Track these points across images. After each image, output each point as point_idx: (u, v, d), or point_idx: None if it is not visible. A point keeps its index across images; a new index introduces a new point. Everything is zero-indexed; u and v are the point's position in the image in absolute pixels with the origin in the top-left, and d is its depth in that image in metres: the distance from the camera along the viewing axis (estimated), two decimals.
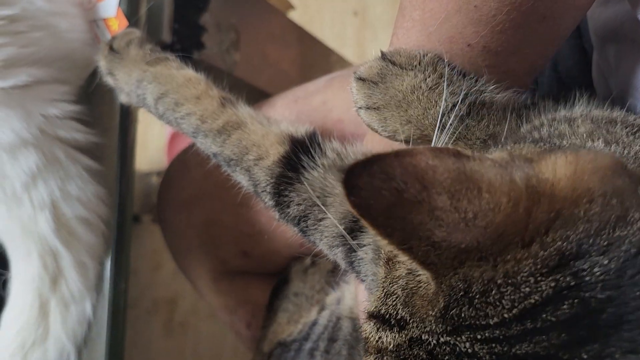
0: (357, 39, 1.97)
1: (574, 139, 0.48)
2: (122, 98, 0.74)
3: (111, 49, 0.74)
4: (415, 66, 0.52)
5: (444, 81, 0.51)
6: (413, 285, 0.39)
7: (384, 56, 0.54)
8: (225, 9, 1.08)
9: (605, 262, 0.34)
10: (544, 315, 0.34)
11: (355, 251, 0.54)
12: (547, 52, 0.55)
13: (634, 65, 0.56)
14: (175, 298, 1.74)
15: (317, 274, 0.82)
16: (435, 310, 0.37)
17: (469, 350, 0.35)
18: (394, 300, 0.40)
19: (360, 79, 0.54)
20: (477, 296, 0.35)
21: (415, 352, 0.37)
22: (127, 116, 0.81)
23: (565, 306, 0.34)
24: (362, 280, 0.56)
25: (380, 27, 1.90)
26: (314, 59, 1.35)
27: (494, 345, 0.35)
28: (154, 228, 1.19)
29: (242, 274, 0.91)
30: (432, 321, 0.37)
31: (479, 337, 0.35)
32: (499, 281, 0.35)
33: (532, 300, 0.34)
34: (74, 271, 0.71)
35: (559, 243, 0.35)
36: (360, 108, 0.54)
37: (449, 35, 0.52)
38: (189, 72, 0.70)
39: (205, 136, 0.65)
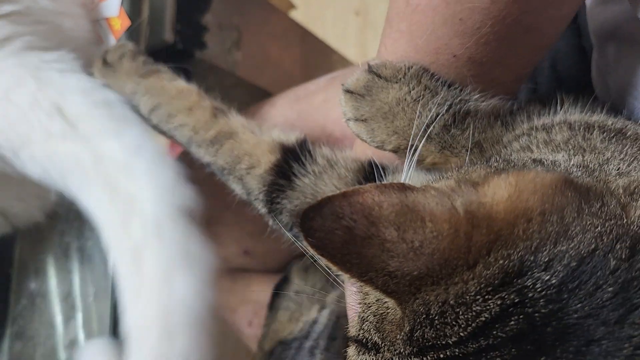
0: (359, 39, 1.98)
1: (543, 150, 0.50)
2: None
3: (105, 62, 0.74)
4: (400, 79, 0.53)
5: (427, 93, 0.53)
6: (382, 312, 0.41)
7: (370, 69, 0.55)
8: (227, 8, 1.09)
9: (547, 277, 0.35)
10: (495, 332, 0.35)
11: None
12: (532, 61, 0.56)
13: (633, 64, 0.56)
14: None
15: (317, 273, 0.82)
16: (402, 333, 0.38)
17: None
18: (368, 325, 0.42)
19: (348, 92, 0.55)
20: (437, 318, 0.37)
21: None
22: None
23: (512, 322, 0.35)
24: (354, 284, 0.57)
25: (382, 27, 1.91)
26: (315, 58, 1.36)
27: None
28: None
29: (244, 272, 0.91)
30: (401, 344, 0.38)
31: (442, 356, 0.37)
32: (451, 302, 0.37)
33: (483, 319, 0.36)
34: None
35: (501, 262, 0.36)
36: (349, 119, 0.56)
37: (436, 47, 0.53)
38: (181, 83, 0.71)
39: (199, 146, 0.66)
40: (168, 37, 0.96)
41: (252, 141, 0.64)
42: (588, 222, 0.37)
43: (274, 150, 0.62)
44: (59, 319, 0.76)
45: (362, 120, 0.55)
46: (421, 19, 0.52)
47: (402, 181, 0.51)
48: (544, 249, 0.36)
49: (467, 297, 0.36)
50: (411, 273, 0.37)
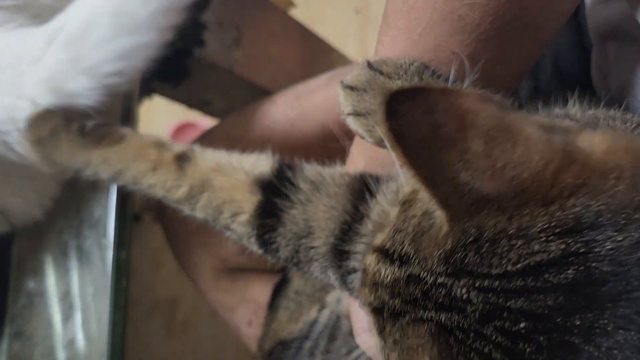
0: (359, 36, 1.98)
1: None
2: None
3: (37, 140, 0.68)
4: (402, 75, 0.53)
5: None
6: (425, 225, 0.39)
7: (370, 66, 0.55)
8: (227, 6, 1.09)
9: (619, 238, 0.34)
10: (547, 276, 0.35)
11: (347, 261, 0.55)
12: (532, 56, 0.56)
13: (633, 63, 0.56)
14: (176, 297, 1.75)
15: None
16: (441, 251, 0.37)
17: (464, 296, 0.36)
18: (403, 236, 0.40)
19: (349, 87, 0.55)
20: (486, 245, 0.36)
21: (411, 290, 0.38)
22: (128, 117, 0.81)
23: (569, 271, 0.34)
24: (356, 297, 0.56)
25: None
26: (316, 56, 1.36)
27: (490, 295, 0.35)
28: (155, 227, 1.19)
29: (243, 272, 0.91)
30: (435, 261, 0.37)
31: (477, 284, 0.36)
32: (510, 232, 0.35)
33: (538, 259, 0.35)
34: None
35: (578, 209, 0.35)
36: (348, 115, 0.55)
37: (435, 44, 0.53)
38: (134, 140, 0.67)
39: (176, 203, 0.64)
40: None
41: (228, 185, 0.61)
42: None
43: (253, 191, 0.60)
44: (57, 318, 0.75)
45: (362, 115, 0.54)
46: (419, 15, 0.52)
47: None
48: (624, 210, 0.35)
49: (530, 232, 0.35)
50: (480, 191, 0.36)
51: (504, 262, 0.35)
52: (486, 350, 0.35)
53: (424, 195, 0.39)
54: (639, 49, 0.52)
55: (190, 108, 1.30)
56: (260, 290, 0.89)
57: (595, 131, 0.39)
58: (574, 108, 0.53)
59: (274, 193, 0.59)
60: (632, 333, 0.33)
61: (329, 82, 0.85)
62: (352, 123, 0.55)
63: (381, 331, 0.40)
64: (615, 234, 0.34)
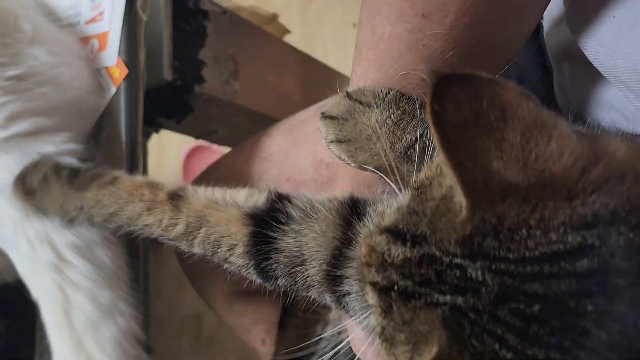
0: None
1: None
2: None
3: (26, 190, 0.69)
4: (380, 104, 0.56)
5: (406, 117, 0.55)
6: (444, 208, 0.41)
7: (349, 96, 0.58)
8: (222, 41, 1.13)
9: (631, 235, 0.37)
10: (562, 263, 0.36)
11: (340, 285, 0.57)
12: (496, 75, 0.59)
13: (586, 82, 0.59)
14: (200, 314, 1.78)
15: None
16: (460, 234, 0.38)
17: (479, 278, 0.37)
18: (419, 218, 0.41)
19: (330, 117, 0.58)
20: (505, 231, 0.37)
21: (424, 270, 0.39)
22: (134, 151, 0.86)
23: (585, 260, 0.36)
24: (352, 316, 0.58)
25: None
26: (315, 78, 1.39)
27: (505, 277, 0.37)
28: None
29: (254, 294, 0.95)
30: (452, 242, 0.38)
31: (493, 267, 0.37)
32: (531, 222, 0.37)
33: (556, 247, 0.37)
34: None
35: (598, 205, 0.37)
36: (331, 142, 0.58)
37: (404, 72, 0.55)
38: (127, 181, 0.67)
39: (172, 241, 0.64)
40: (167, 76, 1.00)
41: (223, 220, 0.62)
42: None
43: (246, 223, 0.61)
44: None
45: (344, 142, 0.57)
46: (387, 47, 0.54)
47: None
48: (637, 210, 0.37)
49: (551, 223, 0.37)
50: (509, 180, 0.37)
51: (522, 248, 0.37)
52: (499, 331, 0.36)
53: (444, 180, 0.41)
54: (589, 70, 0.55)
55: (197, 138, 1.35)
56: (270, 311, 0.93)
57: (613, 137, 0.41)
58: None
59: (266, 223, 0.60)
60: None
61: (317, 112, 0.89)
62: (335, 149, 0.58)
63: (386, 310, 0.41)
64: (629, 231, 0.37)
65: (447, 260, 0.39)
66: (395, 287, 0.41)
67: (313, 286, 0.59)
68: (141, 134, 0.87)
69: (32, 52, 0.77)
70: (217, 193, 0.64)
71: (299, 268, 0.59)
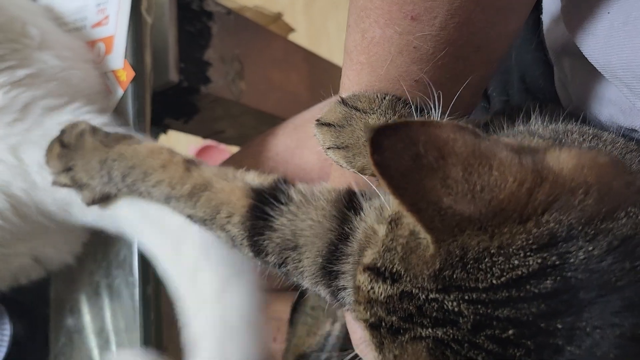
0: None
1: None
2: (84, 196, 0.74)
3: (62, 144, 0.74)
4: (376, 110, 0.56)
5: None
6: (413, 245, 0.42)
7: (345, 102, 0.58)
8: (227, 41, 1.14)
9: (590, 248, 0.37)
10: (528, 287, 0.37)
11: (335, 280, 0.57)
12: (487, 75, 0.59)
13: (585, 77, 0.59)
14: None
15: None
16: (430, 269, 0.39)
17: (455, 309, 0.39)
18: (392, 255, 0.42)
19: (326, 124, 0.58)
20: (471, 262, 0.38)
21: (405, 306, 0.41)
22: None
23: (548, 281, 0.37)
24: (348, 310, 0.59)
25: None
26: (321, 76, 1.40)
27: (479, 306, 0.38)
28: None
29: (265, 292, 0.96)
30: (425, 278, 0.40)
31: (466, 297, 0.38)
32: (492, 251, 0.38)
33: (519, 272, 0.37)
34: None
35: (552, 224, 0.38)
36: (328, 148, 0.58)
37: (396, 75, 0.55)
38: (150, 144, 0.72)
39: (177, 201, 0.67)
40: (173, 78, 1.01)
41: (227, 189, 0.65)
42: (631, 210, 0.39)
43: (248, 195, 0.63)
44: (95, 352, 0.81)
45: (342, 148, 0.57)
46: (378, 50, 0.54)
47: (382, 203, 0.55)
48: (592, 222, 0.38)
49: (510, 249, 0.38)
50: (462, 214, 0.38)
51: (488, 276, 0.38)
52: (479, 358, 0.38)
53: (407, 219, 0.42)
54: (588, 65, 0.55)
55: (204, 138, 1.36)
56: (281, 308, 0.94)
57: (562, 149, 0.42)
58: (536, 124, 0.56)
59: (266, 199, 0.62)
60: (607, 331, 0.36)
61: (320, 112, 0.90)
62: (333, 155, 0.58)
63: (379, 346, 0.43)
64: (587, 244, 0.37)
65: (424, 296, 0.40)
66: (383, 324, 0.42)
67: (306, 276, 0.61)
68: (149, 135, 0.88)
69: (40, 56, 0.79)
70: (228, 170, 0.68)
71: (290, 252, 0.60)
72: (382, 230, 0.46)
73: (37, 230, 0.78)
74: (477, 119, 0.59)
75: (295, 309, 0.92)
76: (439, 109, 0.53)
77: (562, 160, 0.41)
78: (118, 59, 0.86)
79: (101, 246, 0.83)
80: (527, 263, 0.38)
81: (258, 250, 0.62)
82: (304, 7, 2.08)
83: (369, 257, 0.45)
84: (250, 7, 1.33)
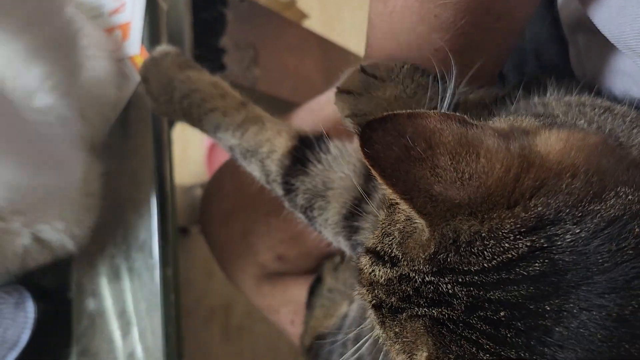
0: None
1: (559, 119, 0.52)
2: (151, 105, 0.79)
3: (153, 59, 0.79)
4: (394, 78, 0.57)
5: (421, 90, 0.56)
6: (409, 230, 0.43)
7: (364, 70, 0.59)
8: (242, 28, 1.15)
9: (577, 230, 0.38)
10: (517, 269, 0.38)
11: (355, 234, 0.60)
12: (507, 45, 0.59)
13: (599, 52, 0.59)
14: (229, 303, 1.80)
15: (347, 271, 0.88)
16: (426, 253, 0.41)
17: (450, 291, 0.40)
18: (391, 240, 0.44)
19: (345, 92, 0.59)
20: (463, 246, 0.39)
21: (404, 287, 0.42)
22: (160, 141, 0.88)
23: (536, 264, 0.38)
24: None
25: None
26: (335, 62, 1.40)
27: (472, 288, 0.39)
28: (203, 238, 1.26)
29: (281, 276, 0.97)
30: (421, 262, 0.41)
31: (460, 280, 0.40)
32: (483, 234, 0.39)
33: (509, 255, 0.38)
34: None
35: (540, 208, 0.39)
36: (347, 116, 0.59)
37: (418, 43, 0.56)
38: (216, 78, 0.76)
39: (226, 130, 0.70)
40: None
41: (275, 129, 0.69)
42: (620, 190, 0.39)
43: (292, 138, 0.67)
44: (117, 334, 0.82)
45: (360, 116, 0.59)
46: (400, 19, 0.56)
47: None
48: (580, 204, 0.38)
49: (500, 233, 0.39)
50: (452, 200, 0.40)
51: (480, 259, 0.39)
52: (474, 337, 0.39)
53: (402, 206, 0.43)
54: (602, 39, 0.55)
55: None
56: (298, 292, 0.95)
57: (552, 130, 0.43)
58: (551, 96, 0.57)
59: (308, 145, 0.66)
60: (594, 313, 0.37)
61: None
62: (350, 124, 0.60)
63: (382, 324, 0.44)
64: (574, 226, 0.38)
65: (420, 278, 0.41)
66: (384, 304, 0.44)
67: (330, 224, 0.64)
68: (166, 123, 0.88)
69: None
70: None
71: (318, 199, 0.64)
72: (382, 214, 0.48)
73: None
74: (495, 91, 0.59)
75: (312, 292, 0.92)
76: (456, 78, 0.54)
77: (550, 143, 0.41)
78: (135, 45, 0.87)
79: (121, 230, 0.84)
80: (516, 246, 0.38)
81: (289, 189, 0.65)
82: None
83: (370, 240, 0.47)
84: None
